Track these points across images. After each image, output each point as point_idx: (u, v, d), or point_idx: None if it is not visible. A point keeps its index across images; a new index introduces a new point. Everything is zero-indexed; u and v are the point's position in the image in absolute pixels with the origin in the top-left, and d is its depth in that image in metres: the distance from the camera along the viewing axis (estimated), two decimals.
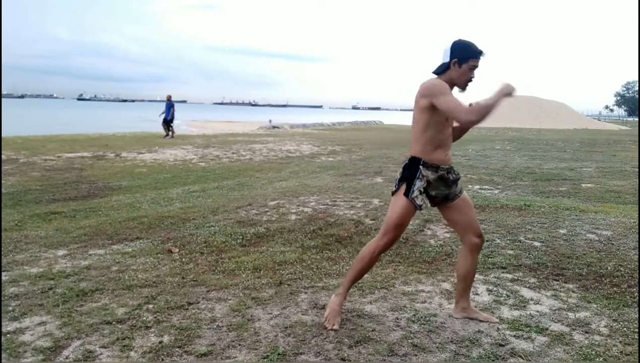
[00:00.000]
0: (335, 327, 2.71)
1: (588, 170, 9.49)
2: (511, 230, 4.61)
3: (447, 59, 2.63)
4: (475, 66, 2.63)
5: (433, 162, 2.68)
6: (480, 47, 2.61)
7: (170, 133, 19.04)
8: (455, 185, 2.78)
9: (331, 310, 2.79)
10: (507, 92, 2.48)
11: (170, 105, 19.18)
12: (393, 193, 2.76)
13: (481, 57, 2.62)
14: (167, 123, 19.23)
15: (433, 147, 2.67)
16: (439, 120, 2.63)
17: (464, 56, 2.59)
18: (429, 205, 2.77)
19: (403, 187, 2.69)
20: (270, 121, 37.84)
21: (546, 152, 13.48)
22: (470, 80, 2.66)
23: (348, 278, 2.87)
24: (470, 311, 2.90)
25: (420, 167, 2.68)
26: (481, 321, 2.84)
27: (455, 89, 2.69)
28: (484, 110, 2.46)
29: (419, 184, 2.67)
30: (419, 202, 2.67)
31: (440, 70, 2.67)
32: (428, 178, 2.68)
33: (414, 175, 2.68)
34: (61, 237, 4.76)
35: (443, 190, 2.74)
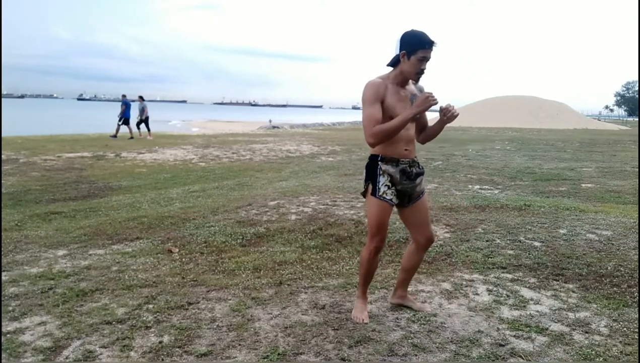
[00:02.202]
0: (365, 320, 2.82)
1: (588, 170, 9.49)
2: (511, 230, 4.60)
3: (398, 51, 2.60)
4: (426, 57, 2.56)
5: (392, 156, 2.69)
6: (431, 37, 2.55)
7: (119, 132, 18.38)
8: (420, 181, 2.78)
9: (355, 309, 2.91)
10: (421, 108, 2.53)
11: (125, 102, 18.58)
12: (363, 194, 2.81)
13: (433, 48, 2.56)
14: (145, 122, 18.74)
15: (388, 142, 2.66)
16: (385, 116, 2.62)
17: (412, 48, 2.55)
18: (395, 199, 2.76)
19: (370, 188, 2.73)
20: (270, 121, 37.87)
21: (546, 152, 13.48)
22: (422, 73, 2.61)
23: (359, 283, 2.95)
24: (406, 299, 3.03)
25: (379, 163, 2.71)
26: (415, 310, 2.95)
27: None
28: (385, 133, 2.56)
29: (383, 180, 2.70)
30: (389, 197, 2.70)
31: (392, 63, 2.66)
32: (389, 172, 2.70)
33: (376, 172, 2.72)
34: (61, 237, 4.76)
35: (407, 184, 2.73)
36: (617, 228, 4.59)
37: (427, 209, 2.88)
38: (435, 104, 2.54)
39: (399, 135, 2.65)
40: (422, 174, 2.80)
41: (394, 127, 2.56)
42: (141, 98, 19.61)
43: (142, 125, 18.91)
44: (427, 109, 2.57)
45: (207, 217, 5.36)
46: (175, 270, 3.75)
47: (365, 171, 2.78)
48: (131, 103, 18.96)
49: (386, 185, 2.70)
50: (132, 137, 18.13)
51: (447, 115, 2.60)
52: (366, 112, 2.60)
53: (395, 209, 2.82)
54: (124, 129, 18.56)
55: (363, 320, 2.81)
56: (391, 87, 2.65)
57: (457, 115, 2.63)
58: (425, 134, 2.87)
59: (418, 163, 2.80)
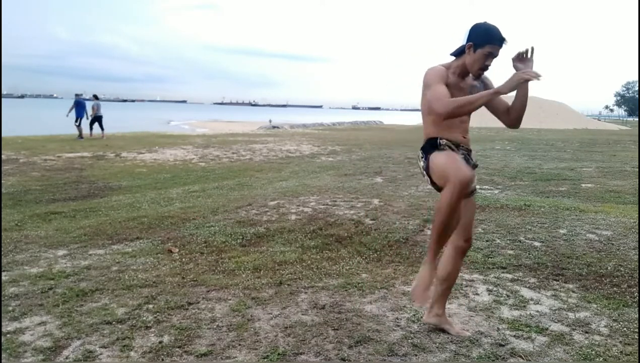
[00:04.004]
0: (423, 303, 2.55)
1: (588, 170, 9.48)
2: (511, 230, 4.60)
3: (465, 42, 2.46)
4: (493, 54, 2.42)
5: (451, 139, 2.50)
6: (503, 34, 2.40)
7: (81, 131, 17.93)
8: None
9: (421, 282, 2.46)
10: (512, 84, 2.29)
11: (78, 102, 18.21)
12: (426, 170, 2.51)
13: (503, 45, 2.41)
14: (93, 122, 18.31)
15: (446, 127, 2.48)
16: None
17: (481, 41, 2.40)
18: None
19: (434, 153, 2.47)
20: (270, 121, 37.86)
21: (546, 152, 13.47)
22: (485, 69, 2.47)
23: (432, 240, 2.46)
24: (443, 320, 2.71)
25: (440, 141, 2.49)
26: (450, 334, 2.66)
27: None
28: (458, 105, 2.32)
29: (443, 144, 2.48)
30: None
31: (456, 53, 2.51)
32: (451, 147, 2.48)
33: (437, 144, 2.49)
34: (61, 237, 4.76)
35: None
36: (617, 228, 4.59)
37: (474, 210, 2.66)
38: (536, 78, 2.27)
39: (455, 124, 2.49)
40: (477, 166, 2.63)
41: (470, 101, 2.32)
42: (95, 96, 19.43)
43: (96, 125, 18.43)
44: (517, 85, 2.31)
45: (207, 217, 5.36)
46: (175, 270, 3.75)
47: (423, 152, 2.53)
48: (85, 102, 18.65)
49: (448, 146, 2.47)
50: (81, 137, 17.79)
51: (523, 60, 2.36)
52: (433, 89, 2.40)
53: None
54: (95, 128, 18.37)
55: (423, 302, 2.51)
56: (452, 77, 2.49)
57: (533, 48, 2.35)
58: (514, 111, 2.57)
59: (472, 155, 2.61)
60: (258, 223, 5.03)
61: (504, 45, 2.42)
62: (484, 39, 2.41)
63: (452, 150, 2.49)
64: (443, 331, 2.69)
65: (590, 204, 5.94)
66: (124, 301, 3.13)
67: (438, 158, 2.44)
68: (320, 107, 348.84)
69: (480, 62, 2.44)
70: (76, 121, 18.09)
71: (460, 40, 2.51)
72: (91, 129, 18.43)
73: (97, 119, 18.44)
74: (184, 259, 4.04)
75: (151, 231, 4.93)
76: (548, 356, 2.47)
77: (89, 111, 18.34)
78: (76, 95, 19.30)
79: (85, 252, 4.27)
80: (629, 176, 8.61)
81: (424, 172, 2.54)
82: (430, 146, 2.51)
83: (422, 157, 2.54)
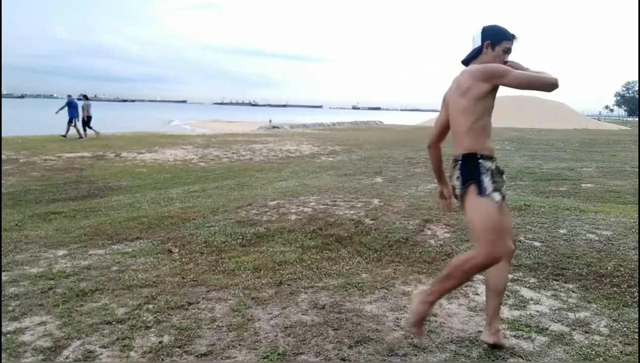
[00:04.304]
0: (420, 335, 2.51)
1: (588, 170, 9.48)
2: None
3: (479, 44, 2.49)
4: (510, 49, 2.49)
5: (488, 154, 2.43)
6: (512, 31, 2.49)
7: (67, 132, 17.97)
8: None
9: (418, 317, 2.43)
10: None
11: (70, 102, 18.10)
12: (461, 197, 2.45)
13: (514, 41, 2.49)
14: (85, 123, 18.25)
15: (486, 136, 2.44)
16: (489, 105, 2.44)
17: (497, 38, 2.47)
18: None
19: (473, 188, 2.37)
20: (270, 121, 37.85)
21: (546, 152, 13.47)
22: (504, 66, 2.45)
23: (438, 289, 2.42)
24: (501, 335, 2.57)
25: (480, 161, 2.39)
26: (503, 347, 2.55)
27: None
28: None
29: (487, 180, 2.36)
30: (497, 199, 2.35)
31: (471, 57, 2.52)
32: (491, 169, 2.39)
33: (478, 170, 2.38)
34: (61, 237, 4.76)
35: (502, 182, 2.44)
36: (617, 228, 4.59)
37: (508, 211, 2.60)
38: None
39: (491, 128, 2.48)
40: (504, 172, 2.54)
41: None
42: (85, 97, 19.41)
43: (86, 125, 18.41)
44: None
45: (207, 217, 5.36)
46: (175, 270, 3.76)
47: (460, 172, 2.43)
48: (77, 102, 18.54)
49: (492, 184, 2.36)
50: (81, 137, 17.85)
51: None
52: (520, 71, 2.42)
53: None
54: (86, 129, 18.33)
55: (421, 335, 2.50)
56: None
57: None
58: (440, 146, 2.75)
59: None
60: (258, 223, 5.03)
61: (515, 41, 2.50)
62: (499, 36, 2.49)
63: (492, 172, 2.38)
64: (496, 347, 2.52)
65: (590, 204, 5.94)
66: (124, 301, 3.13)
67: (480, 209, 2.34)
68: (320, 107, 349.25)
69: (500, 59, 2.49)
70: (71, 122, 18.10)
71: (471, 45, 2.54)
72: (84, 130, 18.45)
73: (87, 119, 18.44)
74: (184, 259, 4.04)
75: (151, 231, 4.93)
76: (548, 356, 2.48)
77: (80, 112, 18.33)
78: (69, 96, 19.28)
79: (85, 252, 4.27)
80: (629, 176, 8.61)
81: (458, 195, 2.48)
82: (471, 164, 2.40)
83: (458, 178, 2.44)
